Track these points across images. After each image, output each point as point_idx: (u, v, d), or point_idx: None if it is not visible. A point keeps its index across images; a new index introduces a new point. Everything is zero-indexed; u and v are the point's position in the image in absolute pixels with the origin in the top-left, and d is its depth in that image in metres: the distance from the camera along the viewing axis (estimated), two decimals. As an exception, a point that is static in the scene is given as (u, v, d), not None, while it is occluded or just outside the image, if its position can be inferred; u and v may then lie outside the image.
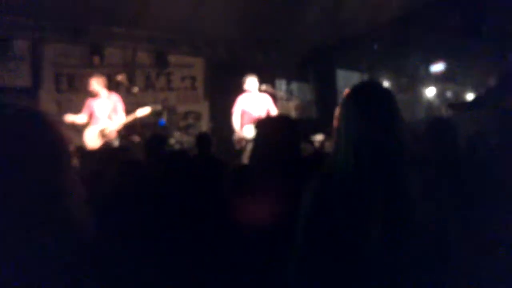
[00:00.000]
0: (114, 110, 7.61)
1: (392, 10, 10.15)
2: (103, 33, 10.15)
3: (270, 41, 11.79)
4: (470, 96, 18.48)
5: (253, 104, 7.70)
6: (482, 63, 14.41)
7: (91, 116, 7.67)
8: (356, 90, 1.85)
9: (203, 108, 11.42)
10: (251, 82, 7.69)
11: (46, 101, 9.55)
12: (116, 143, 7.35)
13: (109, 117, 7.55)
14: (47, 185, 0.94)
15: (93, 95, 7.78)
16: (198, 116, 9.81)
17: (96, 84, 7.75)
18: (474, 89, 18.56)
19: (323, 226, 1.58)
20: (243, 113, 7.66)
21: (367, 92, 1.79)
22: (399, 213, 1.55)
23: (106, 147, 6.85)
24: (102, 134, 7.40)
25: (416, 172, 1.64)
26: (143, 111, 7.51)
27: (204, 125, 10.69)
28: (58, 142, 1.01)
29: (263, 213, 2.16)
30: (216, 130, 9.39)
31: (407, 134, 1.69)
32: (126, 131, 7.85)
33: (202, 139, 5.36)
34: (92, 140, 7.40)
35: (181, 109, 10.38)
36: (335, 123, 1.82)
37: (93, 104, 7.73)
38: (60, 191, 0.97)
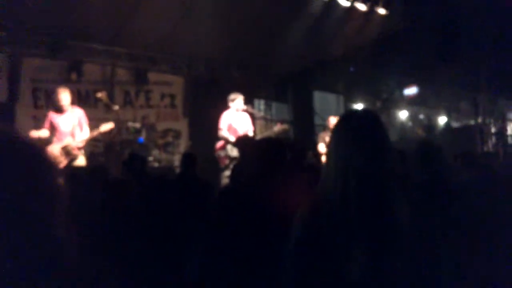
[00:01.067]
0: (79, 125, 7.20)
1: (368, 35, 10.40)
2: (82, 49, 10.10)
3: (249, 61, 11.92)
4: (442, 119, 18.98)
5: (238, 122, 7.75)
6: (454, 88, 14.88)
7: (53, 131, 7.13)
8: (347, 118, 1.88)
9: (183, 126, 11.41)
10: (239, 100, 7.74)
11: (23, 117, 9.36)
12: (81, 161, 6.98)
13: (72, 133, 7.07)
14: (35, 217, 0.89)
15: (56, 109, 7.27)
16: (177, 134, 9.78)
17: (64, 96, 7.26)
18: (446, 112, 19.09)
19: (311, 252, 1.60)
20: (229, 130, 7.64)
21: (357, 120, 1.80)
22: (386, 240, 1.57)
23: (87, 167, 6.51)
24: (65, 151, 6.90)
25: (405, 196, 1.66)
26: (106, 126, 7.22)
27: (183, 143, 10.68)
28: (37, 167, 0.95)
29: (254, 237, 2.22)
30: (196, 148, 9.37)
31: (396, 161, 1.72)
32: (106, 148, 7.79)
33: (187, 158, 5.29)
34: (54, 157, 6.78)
35: (160, 127, 10.34)
36: (325, 149, 1.83)
37: (56, 118, 7.19)
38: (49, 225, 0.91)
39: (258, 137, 8.17)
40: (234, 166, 5.18)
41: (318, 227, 1.60)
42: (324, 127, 9.62)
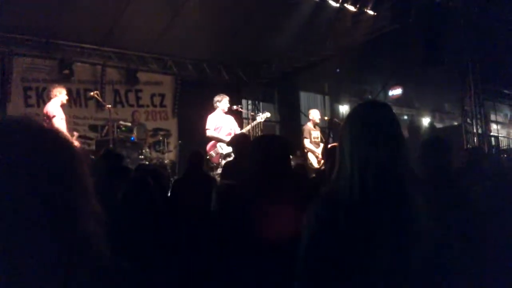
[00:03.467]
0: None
1: (355, 36, 10.56)
2: (73, 49, 10.23)
3: (238, 62, 12.11)
4: (426, 120, 19.31)
5: (225, 122, 7.85)
6: (438, 89, 15.18)
7: None
8: (361, 111, 1.76)
9: (172, 125, 11.58)
10: (225, 101, 7.85)
11: (14, 115, 9.44)
12: None
13: None
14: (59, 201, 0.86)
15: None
16: (167, 133, 9.92)
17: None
18: (430, 113, 19.42)
19: (327, 251, 1.54)
20: (216, 130, 7.73)
21: (372, 113, 1.71)
22: (408, 238, 1.52)
23: None
24: None
25: (419, 190, 1.63)
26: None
27: (173, 142, 10.84)
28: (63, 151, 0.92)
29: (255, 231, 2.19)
30: (185, 147, 9.52)
31: (410, 156, 1.67)
32: (97, 146, 7.93)
33: (195, 156, 5.54)
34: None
35: (150, 126, 10.47)
36: (337, 144, 1.74)
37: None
38: (74, 208, 0.89)
39: (245, 131, 8.34)
40: (226, 163, 5.40)
41: (334, 227, 1.52)
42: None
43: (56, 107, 7.32)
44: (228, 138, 7.22)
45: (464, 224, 2.47)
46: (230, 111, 7.97)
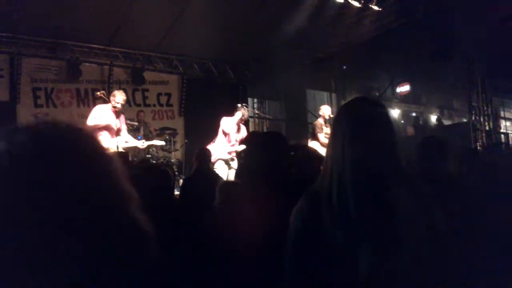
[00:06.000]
0: None
1: (361, 32, 10.53)
2: (81, 49, 10.36)
3: (243, 60, 12.16)
4: (433, 117, 19.19)
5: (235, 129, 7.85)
6: (446, 85, 15.09)
7: None
8: (347, 107, 1.75)
9: (178, 124, 11.68)
10: (243, 111, 7.83)
11: (24, 116, 9.59)
12: None
13: None
14: (110, 193, 0.87)
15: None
16: (173, 132, 10.01)
17: None
18: (438, 110, 19.30)
19: (312, 244, 1.54)
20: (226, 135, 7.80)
21: (357, 110, 1.68)
22: (388, 236, 1.49)
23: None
24: None
25: (408, 191, 1.57)
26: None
27: (179, 141, 10.94)
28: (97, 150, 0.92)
29: (252, 227, 2.17)
30: (191, 146, 9.60)
31: (399, 153, 1.61)
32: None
33: (202, 154, 5.63)
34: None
35: (157, 125, 10.60)
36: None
37: None
38: (123, 197, 0.89)
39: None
40: (240, 164, 5.46)
41: (316, 222, 1.53)
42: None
43: (96, 111, 7.02)
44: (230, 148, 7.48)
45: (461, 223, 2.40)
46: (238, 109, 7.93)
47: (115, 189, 0.89)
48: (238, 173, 4.32)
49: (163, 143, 8.31)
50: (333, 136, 1.66)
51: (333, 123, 1.73)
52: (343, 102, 13.09)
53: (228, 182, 3.84)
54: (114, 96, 7.00)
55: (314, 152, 3.27)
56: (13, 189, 0.78)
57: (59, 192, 0.80)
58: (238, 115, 7.71)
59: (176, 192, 6.11)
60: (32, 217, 0.78)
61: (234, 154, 7.66)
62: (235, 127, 7.74)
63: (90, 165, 0.87)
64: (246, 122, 8.37)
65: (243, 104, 8.91)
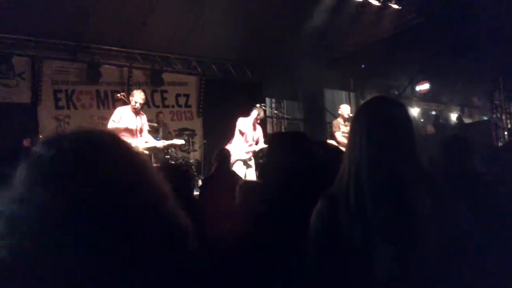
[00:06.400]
0: None
1: (380, 31, 10.45)
2: (100, 51, 10.48)
3: (261, 61, 12.15)
4: (453, 116, 18.93)
5: (251, 130, 7.87)
6: (467, 83, 14.87)
7: None
8: (366, 106, 1.73)
9: (197, 125, 11.74)
10: (258, 110, 7.87)
11: (45, 118, 9.76)
12: None
13: None
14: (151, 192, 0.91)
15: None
16: (192, 133, 10.07)
17: None
18: (458, 108, 19.04)
19: (331, 246, 1.54)
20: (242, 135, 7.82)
21: (376, 109, 1.67)
22: (407, 237, 1.48)
23: None
24: None
25: (428, 191, 1.55)
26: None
27: (198, 142, 11.01)
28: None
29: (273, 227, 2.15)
30: (210, 146, 9.65)
31: (419, 153, 1.59)
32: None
33: (222, 154, 5.66)
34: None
35: (175, 126, 10.66)
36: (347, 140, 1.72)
37: None
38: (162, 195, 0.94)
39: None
40: (262, 164, 5.47)
41: (335, 223, 1.53)
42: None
43: (116, 114, 7.04)
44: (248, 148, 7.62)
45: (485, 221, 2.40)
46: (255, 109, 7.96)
47: (154, 187, 0.94)
48: (260, 173, 4.31)
49: (182, 142, 8.36)
50: (351, 136, 1.65)
51: (352, 122, 1.71)
52: (361, 101, 13.10)
53: (248, 182, 3.83)
54: (133, 96, 7.04)
55: (335, 148, 3.22)
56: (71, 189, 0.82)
57: (108, 193, 0.85)
58: (254, 114, 7.76)
59: (195, 192, 6.15)
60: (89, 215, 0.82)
61: (251, 153, 7.71)
62: (251, 127, 7.78)
63: (132, 167, 0.92)
64: (263, 122, 8.38)
65: (262, 104, 8.93)
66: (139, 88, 10.73)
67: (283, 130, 12.07)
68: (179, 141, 8.06)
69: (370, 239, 1.48)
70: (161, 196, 0.94)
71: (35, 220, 0.80)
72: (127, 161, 0.93)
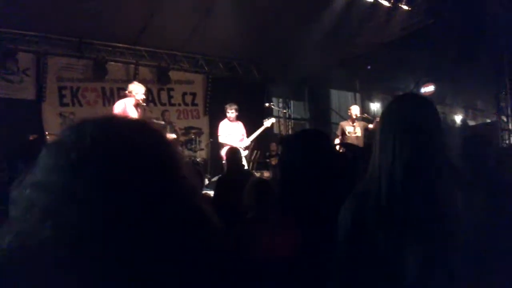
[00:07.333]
0: None
1: (388, 32, 10.39)
2: (106, 48, 10.37)
3: (269, 60, 12.07)
4: (458, 118, 18.91)
5: (233, 130, 8.29)
6: (471, 86, 14.84)
7: None
8: (396, 105, 1.70)
9: (204, 123, 11.67)
10: (232, 110, 8.22)
11: (50, 114, 9.66)
12: None
13: None
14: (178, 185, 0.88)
15: None
16: (199, 132, 9.99)
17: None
18: (462, 110, 19.02)
19: (360, 245, 1.52)
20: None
21: (407, 108, 1.64)
22: (438, 235, 1.46)
23: None
24: None
25: (459, 189, 1.55)
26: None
27: (204, 141, 10.90)
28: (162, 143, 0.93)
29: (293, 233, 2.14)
30: (216, 145, 9.57)
31: (447, 152, 1.58)
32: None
33: (234, 153, 5.65)
34: None
35: (182, 124, 10.58)
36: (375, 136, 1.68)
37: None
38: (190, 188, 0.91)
39: None
40: (280, 163, 5.38)
41: (365, 221, 1.51)
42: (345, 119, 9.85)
43: (123, 107, 6.78)
44: (240, 144, 7.94)
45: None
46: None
47: (182, 179, 0.91)
48: (280, 172, 4.20)
49: (174, 136, 8.42)
50: (381, 135, 1.61)
51: (381, 122, 1.67)
52: (367, 102, 13.07)
53: (258, 179, 3.73)
54: (132, 90, 6.81)
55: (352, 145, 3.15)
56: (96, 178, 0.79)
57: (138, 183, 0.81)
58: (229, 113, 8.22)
59: (206, 191, 6.06)
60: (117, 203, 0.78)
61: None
62: (232, 125, 8.21)
63: (158, 155, 0.89)
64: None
65: (270, 103, 8.89)
66: (146, 86, 10.71)
67: (290, 131, 11.96)
68: (171, 135, 8.14)
69: (400, 240, 1.47)
70: (190, 189, 0.92)
71: (50, 206, 0.77)
72: (154, 149, 0.89)
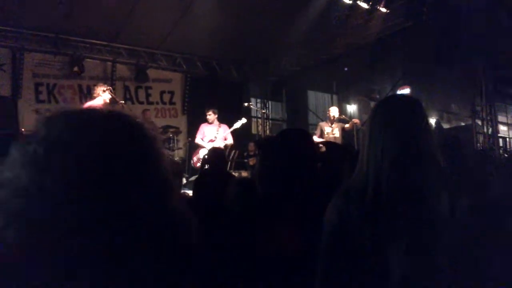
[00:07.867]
0: None
1: (366, 35, 10.48)
2: (84, 45, 10.25)
3: (247, 60, 12.09)
4: (432, 121, 19.20)
5: (212, 132, 8.50)
6: (447, 89, 15.08)
7: None
8: (384, 105, 1.72)
9: (182, 122, 11.62)
10: (213, 114, 8.48)
11: (25, 111, 9.51)
12: None
13: None
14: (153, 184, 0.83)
15: None
16: (176, 131, 9.93)
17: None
18: (437, 113, 19.31)
19: (347, 241, 1.52)
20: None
21: (395, 107, 1.67)
22: (424, 231, 1.48)
23: None
24: None
25: (445, 185, 1.56)
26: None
27: (182, 140, 10.85)
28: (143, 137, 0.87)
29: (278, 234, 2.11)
30: (194, 144, 9.54)
31: (435, 148, 1.58)
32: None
33: (217, 154, 5.59)
34: None
35: (160, 123, 10.51)
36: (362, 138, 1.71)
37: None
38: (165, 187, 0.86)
39: None
40: (261, 162, 5.36)
41: (351, 221, 1.51)
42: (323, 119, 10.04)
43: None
44: (209, 145, 8.16)
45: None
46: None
47: (162, 174, 0.86)
48: (259, 172, 4.21)
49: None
50: (370, 135, 1.61)
51: (369, 121, 1.67)
52: (344, 104, 13.17)
53: (239, 182, 3.71)
54: (100, 92, 6.97)
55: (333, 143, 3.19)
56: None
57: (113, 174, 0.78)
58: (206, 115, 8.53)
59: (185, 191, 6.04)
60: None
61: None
62: (209, 128, 8.49)
63: (136, 149, 0.84)
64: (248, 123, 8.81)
65: (249, 103, 8.93)
66: (123, 84, 10.64)
67: (267, 131, 12.01)
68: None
69: (385, 237, 1.47)
70: (169, 186, 0.87)
71: (23, 203, 0.73)
72: (132, 142, 0.84)
